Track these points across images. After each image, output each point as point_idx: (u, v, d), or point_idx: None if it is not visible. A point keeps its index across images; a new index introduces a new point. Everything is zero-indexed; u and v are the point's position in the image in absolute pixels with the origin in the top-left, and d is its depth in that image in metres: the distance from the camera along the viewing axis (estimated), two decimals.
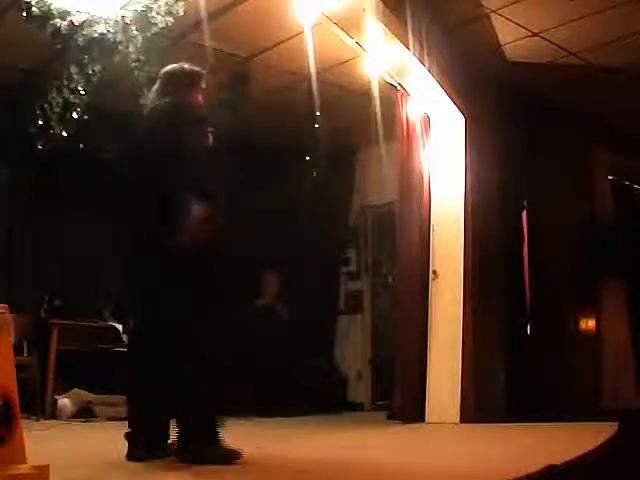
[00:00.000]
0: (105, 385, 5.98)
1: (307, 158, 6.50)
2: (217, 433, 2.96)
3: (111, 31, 4.78)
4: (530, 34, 5.39)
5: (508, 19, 5.20)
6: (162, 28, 4.83)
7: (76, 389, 5.82)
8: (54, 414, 5.60)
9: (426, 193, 5.82)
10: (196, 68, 3.41)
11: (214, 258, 3.17)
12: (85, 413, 5.66)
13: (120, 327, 6.12)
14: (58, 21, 4.68)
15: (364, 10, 4.70)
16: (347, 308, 7.87)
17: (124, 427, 3.13)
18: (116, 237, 3.61)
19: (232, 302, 3.94)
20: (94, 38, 4.79)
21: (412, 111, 5.82)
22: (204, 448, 2.93)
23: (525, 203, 6.55)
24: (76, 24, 4.72)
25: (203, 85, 3.41)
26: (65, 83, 5.12)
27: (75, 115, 5.27)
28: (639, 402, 6.38)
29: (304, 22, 4.96)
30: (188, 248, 2.92)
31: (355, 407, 7.36)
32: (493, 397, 5.66)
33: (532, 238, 6.42)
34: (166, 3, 4.72)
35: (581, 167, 6.71)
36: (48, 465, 2.01)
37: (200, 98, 3.36)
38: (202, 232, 2.95)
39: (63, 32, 4.72)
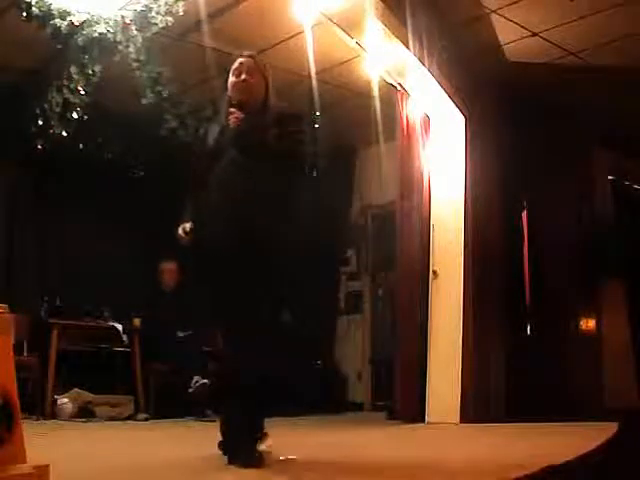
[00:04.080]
0: (105, 385, 5.98)
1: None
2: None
3: (111, 31, 4.79)
4: (530, 34, 5.39)
5: (508, 19, 5.20)
6: (162, 28, 4.83)
7: (76, 389, 5.82)
8: (54, 414, 5.60)
9: (426, 193, 5.82)
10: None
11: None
12: (85, 413, 5.65)
13: (120, 327, 6.12)
14: (58, 21, 4.69)
15: (364, 10, 4.70)
16: (347, 308, 7.87)
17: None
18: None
19: None
20: (94, 38, 4.80)
21: (412, 111, 5.82)
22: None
23: (525, 203, 6.55)
24: (76, 24, 4.73)
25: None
26: (65, 83, 5.13)
27: (75, 115, 5.28)
28: (639, 402, 6.38)
29: (304, 22, 4.97)
30: None
31: (355, 407, 7.36)
32: (493, 397, 5.67)
33: (532, 238, 6.42)
34: (166, 3, 4.73)
35: (581, 167, 6.71)
36: (48, 465, 2.01)
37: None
38: None
39: (63, 32, 4.73)
